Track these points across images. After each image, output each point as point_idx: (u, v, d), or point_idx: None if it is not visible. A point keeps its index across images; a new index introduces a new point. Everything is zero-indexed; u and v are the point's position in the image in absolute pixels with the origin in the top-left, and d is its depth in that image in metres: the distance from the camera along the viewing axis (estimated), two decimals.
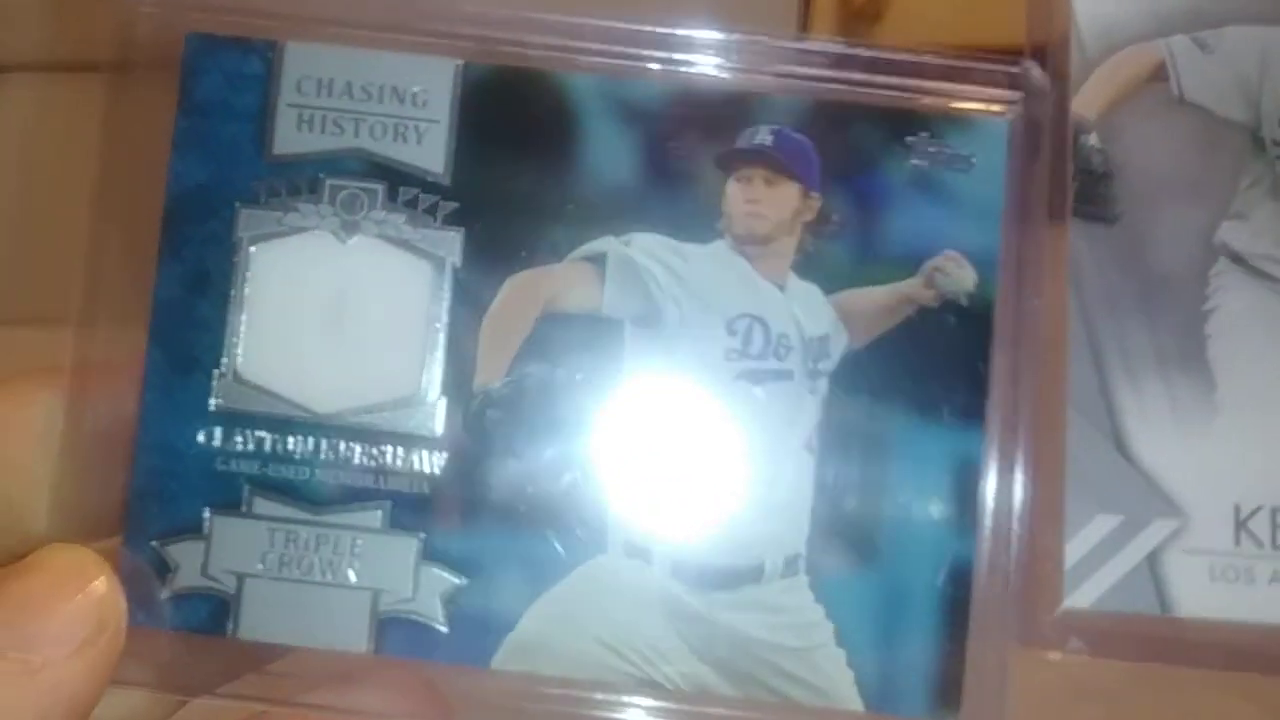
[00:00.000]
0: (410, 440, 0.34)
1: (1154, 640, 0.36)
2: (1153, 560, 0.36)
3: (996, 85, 0.35)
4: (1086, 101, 0.38)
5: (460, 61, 0.35)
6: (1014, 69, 0.35)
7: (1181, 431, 0.37)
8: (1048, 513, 0.36)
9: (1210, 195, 0.38)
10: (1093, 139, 0.38)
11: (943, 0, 0.41)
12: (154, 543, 0.34)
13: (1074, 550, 0.36)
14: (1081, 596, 0.36)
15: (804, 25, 0.55)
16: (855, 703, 0.34)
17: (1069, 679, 0.39)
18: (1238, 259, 0.38)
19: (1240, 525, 0.36)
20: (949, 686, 0.34)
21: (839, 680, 0.34)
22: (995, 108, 0.35)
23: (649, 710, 0.34)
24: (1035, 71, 0.35)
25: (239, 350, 0.34)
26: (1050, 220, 0.36)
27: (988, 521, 0.34)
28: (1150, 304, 0.37)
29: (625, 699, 0.34)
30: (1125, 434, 0.37)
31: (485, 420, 0.34)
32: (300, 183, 0.35)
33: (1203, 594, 0.36)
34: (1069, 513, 0.36)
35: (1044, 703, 0.37)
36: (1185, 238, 0.38)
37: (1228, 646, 0.36)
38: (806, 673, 0.34)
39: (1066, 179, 0.37)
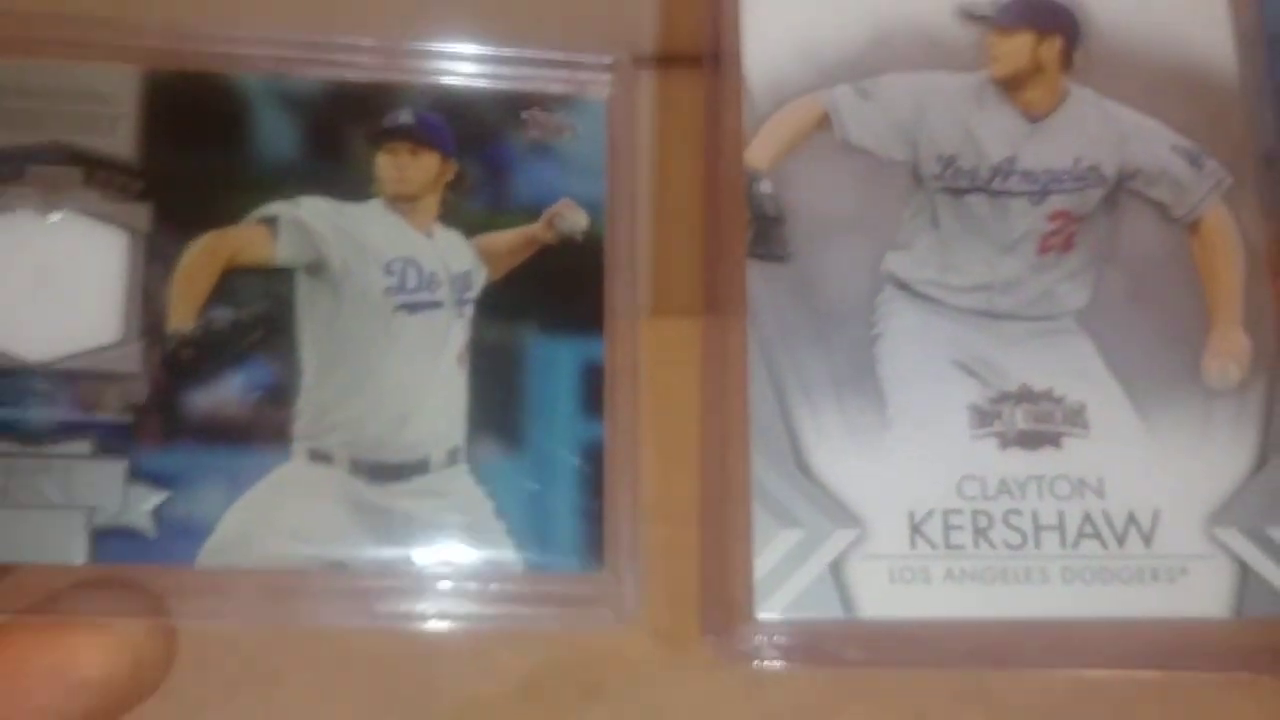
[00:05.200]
0: (113, 378, 0.40)
1: (841, 642, 0.39)
2: (836, 568, 0.38)
3: (595, 70, 0.44)
4: (758, 152, 0.42)
5: (143, 67, 0.42)
6: (607, 59, 0.44)
7: (857, 447, 0.39)
8: (737, 531, 0.39)
9: (876, 229, 0.41)
10: (765, 186, 0.41)
11: None
12: None
13: (762, 565, 0.38)
14: (771, 608, 0.38)
15: None
16: (517, 564, 0.40)
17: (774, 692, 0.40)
18: (902, 285, 0.41)
19: (915, 529, 0.39)
20: (593, 545, 0.40)
21: (501, 546, 0.40)
22: (593, 89, 0.44)
23: (338, 590, 0.39)
24: (624, 59, 0.44)
25: None
26: None
27: (610, 410, 0.41)
28: (823, 332, 0.40)
29: (316, 583, 0.39)
30: (805, 454, 0.39)
31: (180, 357, 0.40)
32: (5, 172, 0.40)
33: (883, 596, 0.38)
34: (756, 530, 0.38)
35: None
36: (853, 270, 0.41)
37: (909, 642, 0.39)
38: (472, 543, 0.40)
39: None
